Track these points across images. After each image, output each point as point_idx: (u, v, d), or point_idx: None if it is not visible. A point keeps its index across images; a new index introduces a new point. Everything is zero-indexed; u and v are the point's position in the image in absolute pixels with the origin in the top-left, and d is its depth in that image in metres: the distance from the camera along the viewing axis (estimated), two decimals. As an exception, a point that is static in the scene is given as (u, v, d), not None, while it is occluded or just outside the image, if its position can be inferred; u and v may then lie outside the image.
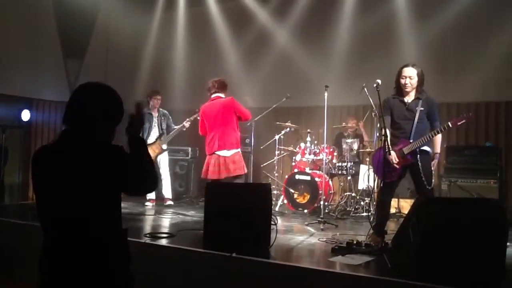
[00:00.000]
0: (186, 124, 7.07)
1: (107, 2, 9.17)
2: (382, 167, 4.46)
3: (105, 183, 1.97)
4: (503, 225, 3.32)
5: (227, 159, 5.53)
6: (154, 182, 2.10)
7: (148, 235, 4.67)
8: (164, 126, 7.22)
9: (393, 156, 4.50)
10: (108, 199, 2.01)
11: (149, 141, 7.06)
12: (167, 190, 7.32)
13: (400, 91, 4.63)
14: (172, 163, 8.57)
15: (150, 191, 2.19)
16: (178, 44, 9.52)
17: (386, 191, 4.68)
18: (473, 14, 7.12)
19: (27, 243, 3.88)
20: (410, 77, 4.53)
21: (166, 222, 5.93)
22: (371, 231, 4.60)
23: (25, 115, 8.02)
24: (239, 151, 5.63)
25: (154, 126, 7.16)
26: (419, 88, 4.59)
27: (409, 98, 4.61)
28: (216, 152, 5.55)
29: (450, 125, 4.34)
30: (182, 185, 8.53)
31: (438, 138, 4.55)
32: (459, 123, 4.40)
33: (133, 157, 2.04)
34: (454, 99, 7.46)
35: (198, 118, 6.15)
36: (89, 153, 1.98)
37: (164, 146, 7.22)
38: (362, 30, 7.87)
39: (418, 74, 4.53)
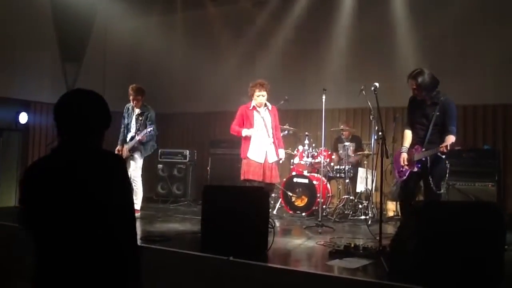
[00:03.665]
0: (138, 138, 6.30)
1: (105, 6, 9.16)
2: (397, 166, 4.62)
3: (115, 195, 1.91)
4: (501, 228, 3.32)
5: None
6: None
7: (144, 239, 4.65)
8: (139, 127, 6.43)
9: (403, 158, 4.55)
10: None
11: (128, 137, 6.51)
12: (137, 200, 6.27)
13: None
14: (170, 166, 8.60)
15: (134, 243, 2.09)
16: (176, 47, 9.50)
17: (401, 193, 4.81)
18: (471, 17, 7.13)
19: (25, 246, 3.85)
20: (412, 89, 4.49)
21: (163, 225, 5.91)
22: None
23: (23, 117, 8.00)
24: (243, 160, 5.81)
25: (133, 124, 6.52)
26: (430, 93, 4.46)
27: (427, 102, 4.53)
28: None
29: (449, 148, 4.24)
30: (180, 188, 8.52)
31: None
32: (456, 148, 4.38)
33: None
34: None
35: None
36: (98, 165, 1.91)
37: (135, 150, 6.41)
38: (360, 33, 7.87)
39: (419, 84, 4.39)
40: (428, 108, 4.51)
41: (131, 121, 6.55)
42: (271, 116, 5.85)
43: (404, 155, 4.55)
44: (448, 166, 5.13)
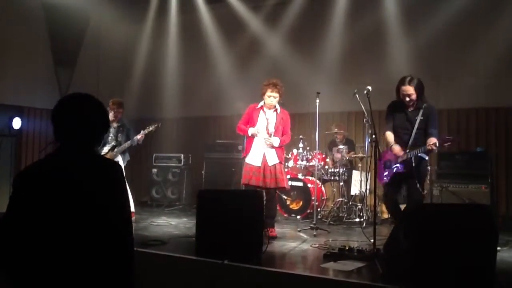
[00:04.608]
0: (138, 137, 6.45)
1: (98, 10, 9.15)
2: (378, 169, 4.61)
3: (115, 197, 1.93)
4: (494, 230, 3.34)
5: None
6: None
7: (139, 243, 4.63)
8: (121, 137, 6.57)
9: (397, 150, 4.58)
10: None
11: (102, 152, 6.47)
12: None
13: (402, 101, 4.66)
14: (165, 171, 8.60)
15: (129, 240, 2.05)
16: (170, 51, 9.51)
17: (384, 192, 4.94)
18: (463, 20, 7.17)
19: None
20: (409, 95, 4.55)
21: (157, 229, 5.90)
22: None
23: (16, 123, 7.97)
24: (244, 162, 5.52)
25: (110, 137, 6.59)
26: (419, 98, 4.59)
27: (410, 108, 4.66)
28: None
29: (438, 144, 4.37)
30: (175, 192, 8.52)
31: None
32: (445, 144, 4.46)
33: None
34: (445, 106, 7.50)
35: (152, 130, 6.45)
36: (95, 167, 1.92)
37: (117, 159, 6.46)
38: (353, 37, 7.91)
39: (416, 89, 4.52)
40: (411, 113, 4.62)
41: (108, 135, 6.61)
42: (277, 119, 5.49)
43: (397, 147, 4.60)
44: (429, 169, 5.25)
